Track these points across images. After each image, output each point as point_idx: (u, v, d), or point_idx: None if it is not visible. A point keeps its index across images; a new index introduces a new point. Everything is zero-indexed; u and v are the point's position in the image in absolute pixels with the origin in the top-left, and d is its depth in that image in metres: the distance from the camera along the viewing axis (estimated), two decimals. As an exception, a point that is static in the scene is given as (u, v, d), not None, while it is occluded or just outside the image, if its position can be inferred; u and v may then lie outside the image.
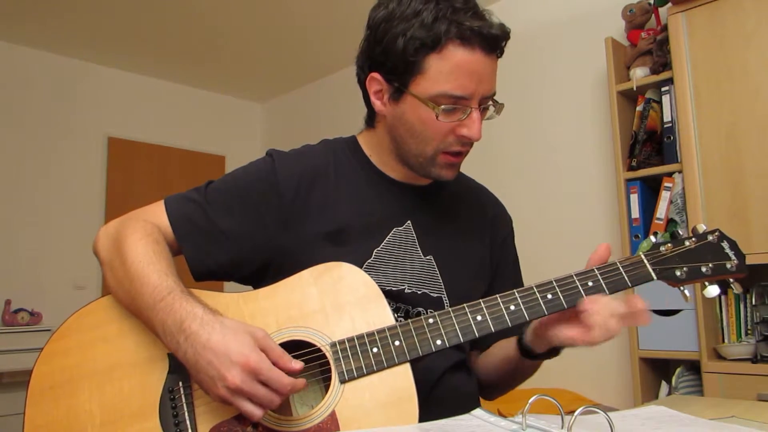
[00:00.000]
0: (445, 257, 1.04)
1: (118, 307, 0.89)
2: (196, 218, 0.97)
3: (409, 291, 0.98)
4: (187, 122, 4.54)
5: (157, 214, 0.98)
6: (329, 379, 0.83)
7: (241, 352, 0.75)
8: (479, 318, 0.86)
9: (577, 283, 0.87)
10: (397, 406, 0.81)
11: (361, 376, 0.83)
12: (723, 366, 2.02)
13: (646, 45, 2.43)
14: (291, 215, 0.98)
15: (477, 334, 0.86)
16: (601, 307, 0.83)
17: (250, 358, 0.75)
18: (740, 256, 0.90)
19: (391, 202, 1.03)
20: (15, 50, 3.80)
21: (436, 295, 1.01)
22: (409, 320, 0.87)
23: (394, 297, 0.96)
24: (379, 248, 0.99)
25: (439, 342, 0.85)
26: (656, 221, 2.30)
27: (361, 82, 1.02)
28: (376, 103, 1.00)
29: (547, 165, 3.01)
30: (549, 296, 0.87)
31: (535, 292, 0.87)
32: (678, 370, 2.22)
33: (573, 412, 0.66)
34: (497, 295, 0.88)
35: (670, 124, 2.30)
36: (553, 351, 0.94)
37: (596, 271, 0.88)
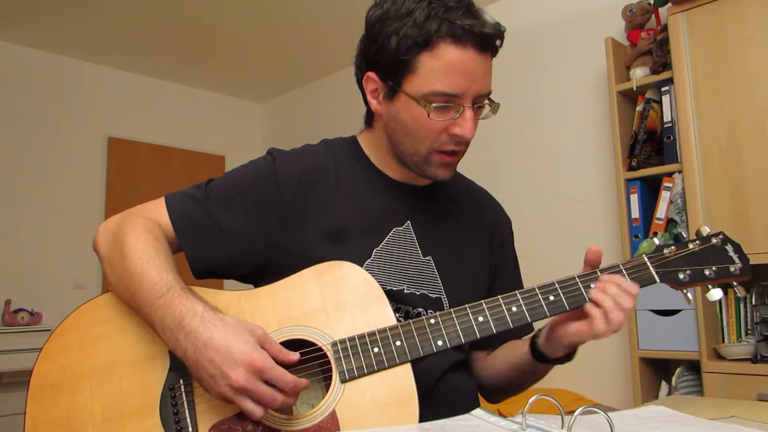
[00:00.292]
0: (445, 258, 1.04)
1: (119, 305, 0.89)
2: (197, 216, 0.97)
3: (408, 291, 0.98)
4: (187, 122, 4.54)
5: (157, 210, 0.98)
6: (330, 378, 0.83)
7: (244, 351, 0.75)
8: (481, 319, 0.86)
9: (580, 285, 0.87)
10: (397, 406, 0.81)
11: (361, 375, 0.83)
12: (723, 366, 2.02)
13: (646, 45, 2.43)
14: (291, 214, 0.98)
15: (479, 335, 0.86)
16: (605, 298, 0.83)
17: (254, 357, 0.75)
18: (744, 259, 0.90)
19: (390, 201, 1.03)
20: (15, 50, 3.80)
21: (435, 295, 1.01)
22: (411, 320, 0.87)
23: (393, 297, 0.96)
24: (378, 248, 0.99)
25: (440, 342, 0.85)
26: (656, 221, 2.30)
27: (359, 82, 1.02)
28: (373, 103, 1.00)
29: (547, 165, 3.01)
30: (551, 297, 0.87)
31: (537, 294, 0.87)
32: (678, 370, 2.22)
33: (573, 412, 0.66)
34: (499, 296, 0.88)
35: (670, 124, 2.30)
36: (567, 357, 0.94)
37: (599, 273, 0.88)
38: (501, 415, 0.78)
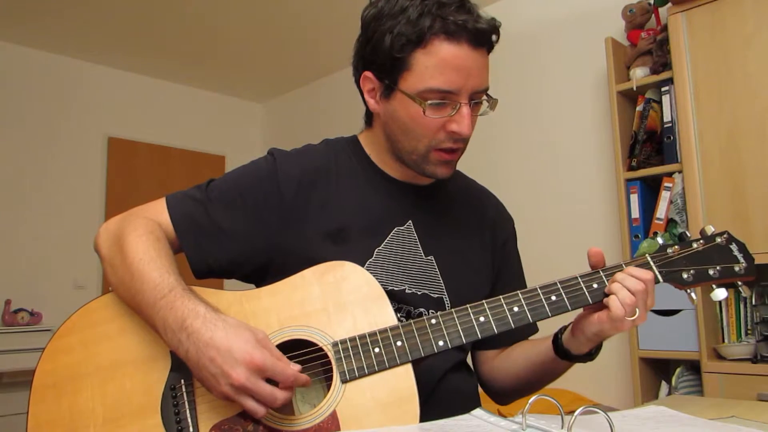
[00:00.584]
0: (446, 258, 1.03)
1: (121, 305, 0.89)
2: (197, 216, 0.97)
3: (410, 291, 0.98)
4: (187, 122, 4.54)
5: (158, 211, 0.98)
6: (331, 378, 0.83)
7: (245, 349, 0.75)
8: (482, 319, 0.86)
9: (582, 285, 0.87)
10: (398, 407, 0.81)
11: (362, 375, 0.83)
12: (723, 366, 2.02)
13: (646, 45, 2.43)
14: (292, 214, 0.98)
15: (480, 335, 0.86)
16: (615, 286, 0.84)
17: (254, 355, 0.75)
18: (749, 258, 0.89)
19: (392, 201, 1.03)
20: (15, 50, 3.80)
21: (437, 295, 1.01)
22: (412, 320, 0.87)
23: (395, 297, 0.96)
24: (380, 247, 0.99)
25: (441, 343, 0.85)
26: (656, 221, 2.30)
27: (357, 82, 1.03)
28: (370, 102, 1.00)
29: (547, 165, 3.01)
30: (553, 298, 0.87)
31: (539, 294, 0.87)
32: (678, 370, 2.22)
33: (573, 412, 0.66)
34: (501, 297, 0.88)
35: (670, 124, 2.30)
36: (589, 355, 0.93)
37: (601, 273, 0.88)
38: (501, 415, 0.78)
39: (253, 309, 0.88)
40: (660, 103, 2.36)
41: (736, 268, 0.89)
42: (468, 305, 0.87)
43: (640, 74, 2.41)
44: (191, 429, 0.80)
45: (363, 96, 1.02)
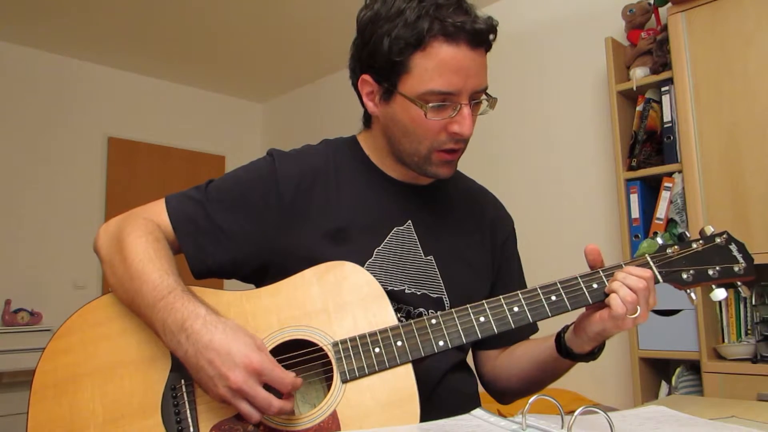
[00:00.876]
0: (446, 258, 1.03)
1: (121, 305, 0.89)
2: (197, 217, 0.97)
3: (409, 291, 0.98)
4: (187, 122, 4.54)
5: (157, 212, 0.98)
6: (331, 378, 0.83)
7: (244, 353, 0.75)
8: (482, 319, 0.86)
9: (582, 285, 0.87)
10: (398, 407, 0.81)
11: (362, 376, 0.83)
12: (723, 366, 2.02)
13: (646, 45, 2.43)
14: (291, 215, 0.98)
15: (480, 335, 0.86)
16: (615, 284, 0.84)
17: (253, 358, 0.75)
18: (749, 259, 0.89)
19: (391, 201, 1.03)
20: (15, 50, 3.80)
21: (436, 295, 1.01)
22: (412, 320, 0.87)
23: (394, 297, 0.96)
24: (380, 247, 0.99)
25: (441, 343, 0.85)
26: (656, 221, 2.30)
27: (354, 85, 1.02)
28: (369, 105, 1.00)
29: (547, 165, 3.01)
30: (553, 297, 0.87)
31: (539, 294, 0.87)
32: (678, 370, 2.22)
33: (573, 412, 0.66)
34: (501, 297, 0.88)
35: (670, 124, 2.30)
36: (591, 354, 0.93)
37: (601, 273, 0.88)
38: (501, 415, 0.78)
39: (254, 309, 0.88)
40: (660, 103, 2.36)
41: (736, 269, 0.89)
42: (468, 305, 0.87)
43: (640, 74, 2.41)
44: (191, 429, 0.80)
45: (361, 99, 1.02)
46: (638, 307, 0.83)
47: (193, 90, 4.61)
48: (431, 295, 1.00)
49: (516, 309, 0.87)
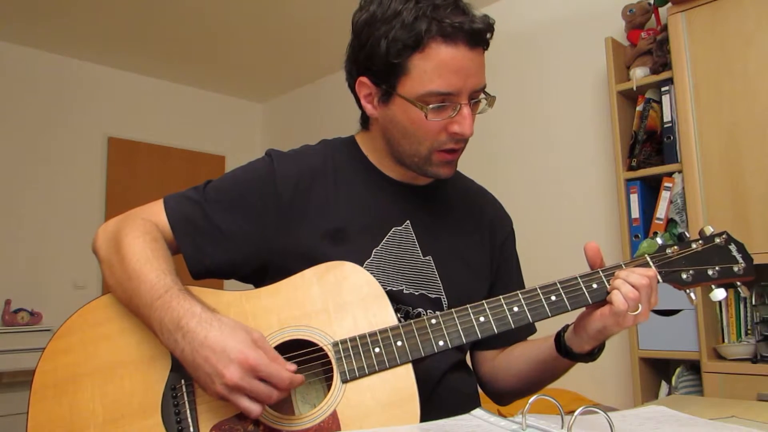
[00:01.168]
0: (444, 258, 1.03)
1: (121, 305, 0.90)
2: (195, 217, 0.97)
3: (408, 292, 0.98)
4: (187, 122, 4.54)
5: (156, 212, 0.98)
6: (331, 378, 0.83)
7: (239, 349, 0.75)
8: (482, 319, 0.86)
9: (582, 285, 0.87)
10: (398, 407, 0.81)
11: (362, 376, 0.83)
12: (723, 366, 2.02)
13: (646, 45, 2.43)
14: (289, 215, 0.98)
15: (480, 335, 0.86)
16: (618, 282, 0.84)
17: (248, 354, 0.75)
18: (748, 259, 0.89)
19: (390, 201, 1.03)
20: (15, 50, 3.80)
21: (435, 296, 1.00)
22: (412, 320, 0.87)
23: (393, 297, 0.95)
24: (378, 248, 0.99)
25: (441, 343, 0.85)
26: (656, 221, 2.30)
27: (351, 87, 1.02)
28: (367, 107, 1.00)
29: (547, 165, 3.01)
30: (553, 297, 0.87)
31: (539, 294, 0.87)
32: (678, 370, 2.22)
33: (573, 412, 0.66)
34: (500, 297, 0.88)
35: (670, 124, 2.30)
36: (591, 355, 0.93)
37: (600, 273, 0.88)
38: (501, 415, 0.78)
39: (253, 309, 0.88)
40: (660, 103, 2.36)
41: (735, 269, 0.89)
42: (468, 305, 0.87)
43: (640, 74, 2.41)
44: (191, 429, 0.81)
45: (358, 101, 1.02)
46: (639, 305, 0.82)
47: (193, 90, 4.61)
48: (429, 295, 1.00)
49: (516, 309, 0.87)
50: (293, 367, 0.78)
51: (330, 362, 0.84)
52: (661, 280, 0.88)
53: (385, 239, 1.00)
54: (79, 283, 3.84)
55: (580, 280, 0.88)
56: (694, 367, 2.20)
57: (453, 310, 0.87)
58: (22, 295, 3.59)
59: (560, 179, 2.95)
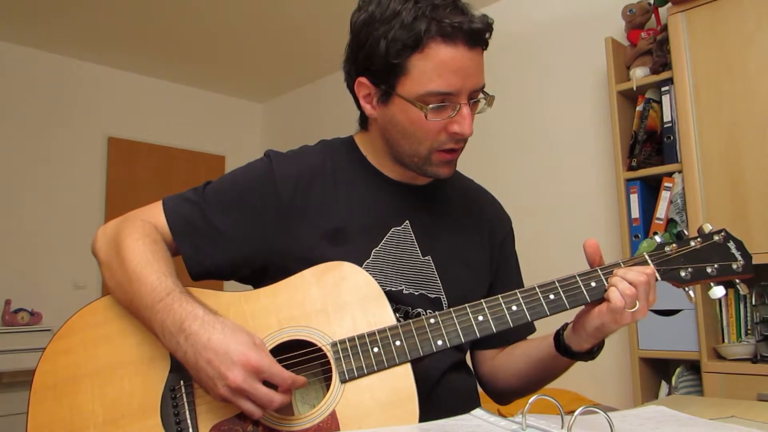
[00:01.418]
0: (444, 258, 1.03)
1: (120, 307, 0.90)
2: (194, 219, 0.97)
3: (407, 292, 0.98)
4: (187, 122, 4.54)
5: (155, 214, 0.98)
6: (330, 378, 0.83)
7: (241, 351, 0.75)
8: (481, 318, 0.86)
9: (580, 284, 0.87)
10: (397, 406, 0.81)
11: (361, 375, 0.83)
12: (723, 366, 2.02)
13: (646, 45, 2.43)
14: (289, 216, 0.98)
15: (478, 335, 0.86)
16: (615, 279, 0.84)
17: (251, 357, 0.75)
18: (747, 256, 0.89)
19: (389, 201, 1.03)
20: (15, 50, 3.80)
21: (434, 296, 1.00)
22: (410, 320, 0.87)
23: (392, 297, 0.95)
24: (377, 248, 0.99)
25: (440, 342, 0.85)
26: (656, 221, 2.30)
27: (350, 87, 1.02)
28: (366, 107, 1.00)
29: (547, 165, 3.01)
30: (551, 296, 0.87)
31: (537, 293, 0.87)
32: (678, 370, 2.22)
33: (573, 412, 0.66)
34: (499, 296, 0.88)
35: (670, 124, 2.30)
36: (590, 353, 0.93)
37: (599, 272, 0.88)
38: (501, 415, 0.78)
39: (253, 310, 0.88)
40: (660, 103, 2.36)
41: (734, 266, 0.89)
42: (467, 305, 0.87)
43: (640, 74, 2.41)
44: (191, 430, 0.81)
45: (357, 101, 1.02)
46: (637, 302, 0.82)
47: (193, 90, 4.61)
48: (429, 295, 1.00)
49: (514, 308, 0.86)
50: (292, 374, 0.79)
51: (329, 362, 0.84)
52: (659, 278, 0.88)
53: (385, 239, 1.00)
54: (79, 284, 3.84)
55: (578, 278, 0.88)
56: (694, 367, 2.19)
57: (452, 309, 0.87)
58: (22, 295, 3.59)
59: (560, 179, 2.95)
